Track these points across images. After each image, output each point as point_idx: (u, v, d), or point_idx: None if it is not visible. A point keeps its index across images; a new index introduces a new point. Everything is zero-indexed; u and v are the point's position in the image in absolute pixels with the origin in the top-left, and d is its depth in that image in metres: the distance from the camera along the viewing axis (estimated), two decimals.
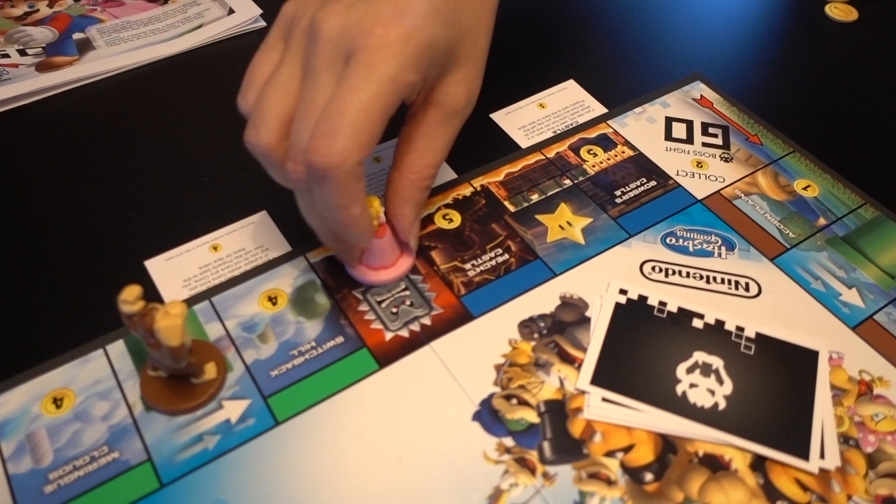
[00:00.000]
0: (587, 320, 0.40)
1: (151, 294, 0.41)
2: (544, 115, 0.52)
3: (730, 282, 0.42)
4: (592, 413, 0.37)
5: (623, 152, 0.49)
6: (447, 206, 0.46)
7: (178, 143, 0.50)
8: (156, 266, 0.42)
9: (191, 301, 0.40)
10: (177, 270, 0.42)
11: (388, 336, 0.39)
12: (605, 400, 0.37)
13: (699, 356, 0.39)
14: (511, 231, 0.44)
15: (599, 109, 0.53)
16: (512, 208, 0.46)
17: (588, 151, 0.49)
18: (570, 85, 0.54)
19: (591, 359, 0.39)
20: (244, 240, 0.44)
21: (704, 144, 0.50)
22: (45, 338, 0.39)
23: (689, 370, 0.38)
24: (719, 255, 0.44)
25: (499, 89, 0.53)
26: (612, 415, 0.37)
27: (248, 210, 0.45)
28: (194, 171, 0.48)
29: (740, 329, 0.40)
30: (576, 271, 0.43)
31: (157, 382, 0.37)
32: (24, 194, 0.47)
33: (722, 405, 0.37)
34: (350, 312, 0.40)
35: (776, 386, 0.38)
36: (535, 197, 0.46)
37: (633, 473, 0.35)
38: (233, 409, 0.37)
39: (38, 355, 0.38)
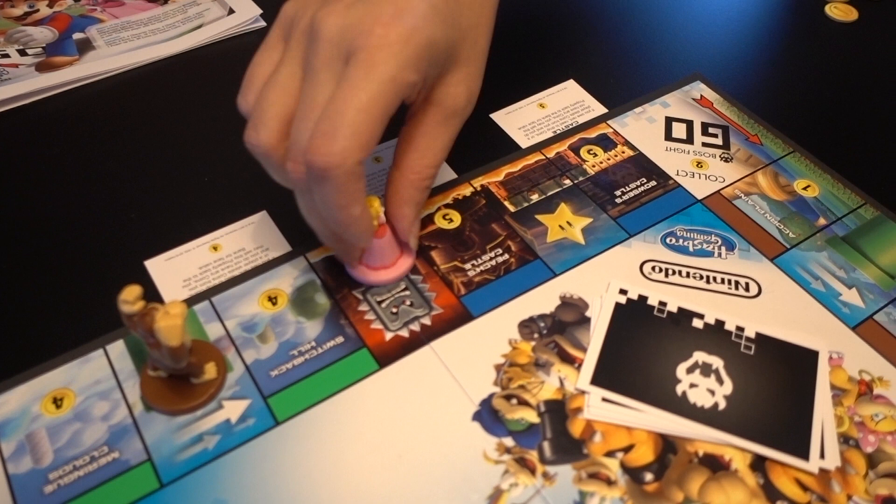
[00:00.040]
0: (587, 320, 0.40)
1: (151, 294, 0.41)
2: (544, 115, 0.52)
3: (730, 282, 0.42)
4: (592, 413, 0.37)
5: (623, 152, 0.49)
6: (447, 206, 0.46)
7: (178, 143, 0.50)
8: (156, 266, 0.42)
9: (191, 301, 0.40)
10: (177, 270, 0.42)
11: (388, 336, 0.39)
12: (605, 400, 0.37)
13: (699, 356, 0.39)
14: (511, 231, 0.44)
15: (599, 109, 0.53)
16: (512, 208, 0.46)
17: (588, 151, 0.49)
18: (570, 85, 0.54)
19: (591, 359, 0.39)
20: (244, 240, 0.44)
21: (704, 144, 0.50)
22: (45, 338, 0.39)
23: (689, 370, 0.38)
24: (719, 255, 0.44)
25: (499, 89, 0.53)
26: (612, 415, 0.37)
27: (248, 210, 0.45)
28: (194, 171, 0.48)
29: (740, 329, 0.40)
30: (576, 271, 0.43)
31: (157, 382, 0.37)
32: (24, 194, 0.47)
33: (722, 405, 0.37)
34: (350, 312, 0.40)
35: (776, 386, 0.38)
36: (535, 197, 0.46)
37: (633, 473, 0.35)
38: (233, 409, 0.37)
39: (38, 355, 0.38)
